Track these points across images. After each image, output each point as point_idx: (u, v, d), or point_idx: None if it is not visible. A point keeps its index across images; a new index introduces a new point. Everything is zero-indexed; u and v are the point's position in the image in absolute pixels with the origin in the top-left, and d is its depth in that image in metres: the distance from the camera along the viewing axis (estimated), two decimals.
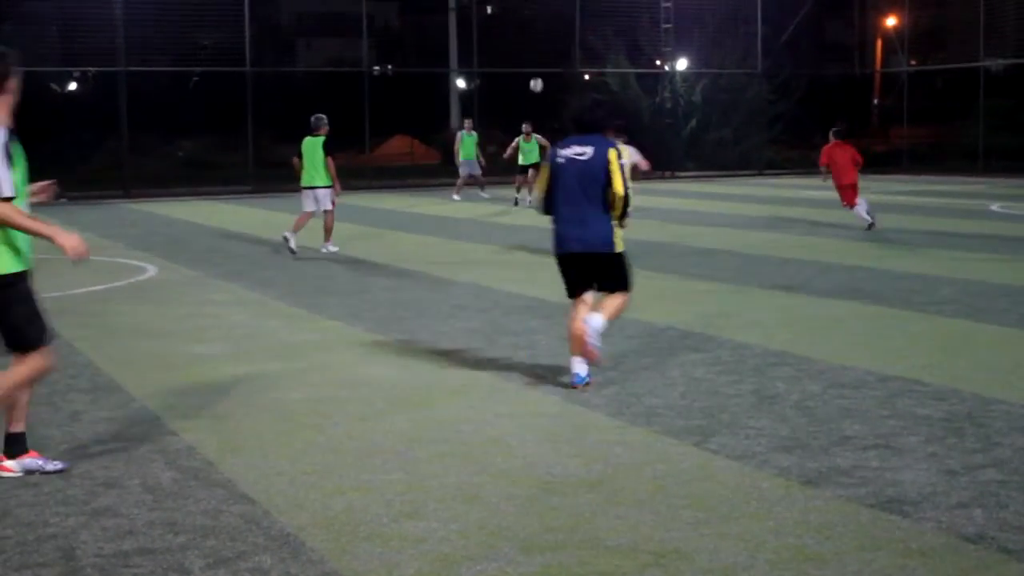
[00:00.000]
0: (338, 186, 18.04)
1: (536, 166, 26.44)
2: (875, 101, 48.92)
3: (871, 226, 19.92)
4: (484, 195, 30.31)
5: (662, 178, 39.44)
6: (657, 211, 25.32)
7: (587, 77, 42.33)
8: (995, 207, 25.56)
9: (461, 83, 45.86)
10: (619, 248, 8.56)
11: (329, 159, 17.72)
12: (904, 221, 22.01)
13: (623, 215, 8.47)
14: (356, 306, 12.29)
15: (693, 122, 41.44)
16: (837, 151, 20.48)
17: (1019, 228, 20.48)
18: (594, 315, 8.44)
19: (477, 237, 20.12)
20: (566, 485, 6.20)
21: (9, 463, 6.46)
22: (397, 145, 45.43)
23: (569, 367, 8.52)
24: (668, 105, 41.46)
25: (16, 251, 6.18)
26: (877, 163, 43.70)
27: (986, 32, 41.36)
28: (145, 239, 20.49)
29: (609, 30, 40.20)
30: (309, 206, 17.91)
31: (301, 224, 17.72)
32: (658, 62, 42.18)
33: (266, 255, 17.81)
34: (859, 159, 20.48)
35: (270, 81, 39.92)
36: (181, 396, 8.39)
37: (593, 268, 8.59)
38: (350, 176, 26.60)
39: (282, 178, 36.32)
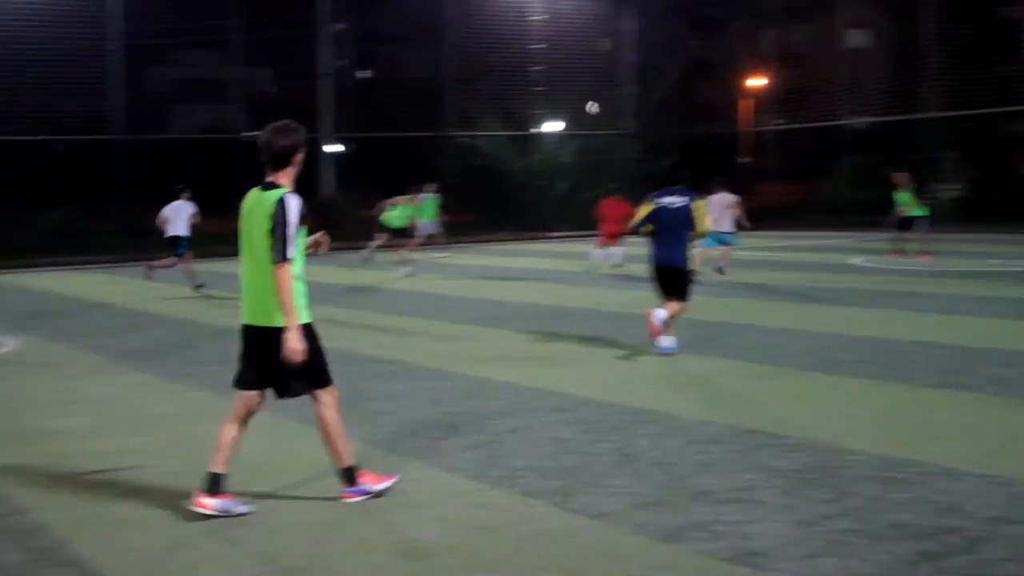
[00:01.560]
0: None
1: (405, 231, 26.35)
2: (743, 159, 49.99)
3: (616, 265, 24.91)
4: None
5: (532, 239, 39.79)
6: (528, 272, 25.48)
7: (460, 140, 42.64)
8: (857, 261, 26.22)
9: (335, 148, 45.82)
10: (690, 267, 12.90)
11: None
12: (769, 276, 22.46)
13: (701, 233, 12.76)
14: (222, 375, 12.06)
15: (565, 183, 41.88)
16: (611, 206, 24.80)
17: (879, 281, 21.02)
18: (660, 310, 12.57)
19: (344, 302, 19.99)
20: (424, 550, 6.18)
21: (209, 501, 6.88)
22: None
23: None
24: (540, 167, 41.88)
25: (303, 303, 6.99)
26: (748, 219, 44.60)
27: (848, 92, 42.62)
28: (3, 311, 20.00)
29: (481, 93, 40.56)
30: None
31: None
32: (531, 125, 42.67)
33: (131, 325, 17.51)
34: (628, 213, 23.49)
35: (140, 148, 39.46)
36: (34, 473, 8.19)
37: (672, 277, 12.68)
38: (219, 243, 26.28)
39: (152, 246, 35.78)
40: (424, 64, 44.76)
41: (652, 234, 12.78)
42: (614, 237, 24.77)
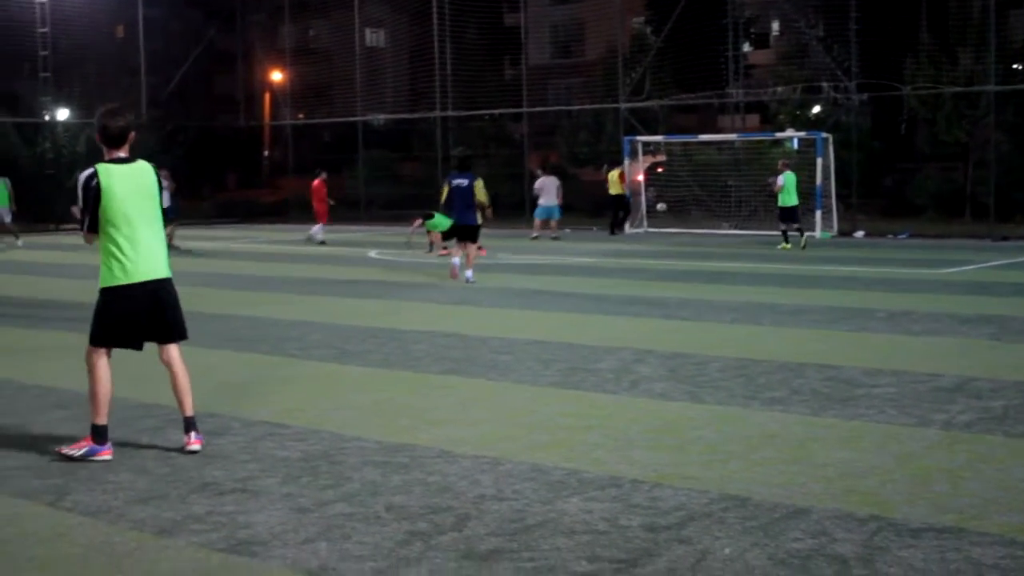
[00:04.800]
0: None
1: None
2: (265, 153, 49.96)
3: (317, 241, 30.98)
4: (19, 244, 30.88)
5: (46, 231, 37.99)
6: (38, 266, 24.33)
7: None
8: (373, 254, 26.86)
9: None
10: (479, 223, 19.37)
11: None
12: (286, 269, 22.59)
13: (484, 209, 19.44)
14: None
15: (78, 172, 40.21)
16: (320, 188, 31.76)
17: (395, 274, 21.63)
18: (467, 272, 19.25)
19: None
20: None
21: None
22: None
23: None
24: (50, 156, 39.97)
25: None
26: (267, 213, 44.68)
27: (365, 89, 43.50)
28: None
29: None
30: None
31: None
32: (41, 112, 40.61)
33: None
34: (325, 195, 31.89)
35: None
36: None
37: (466, 231, 19.27)
38: None
39: None
40: None
41: (450, 204, 19.27)
42: (323, 215, 31.18)
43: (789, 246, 26.91)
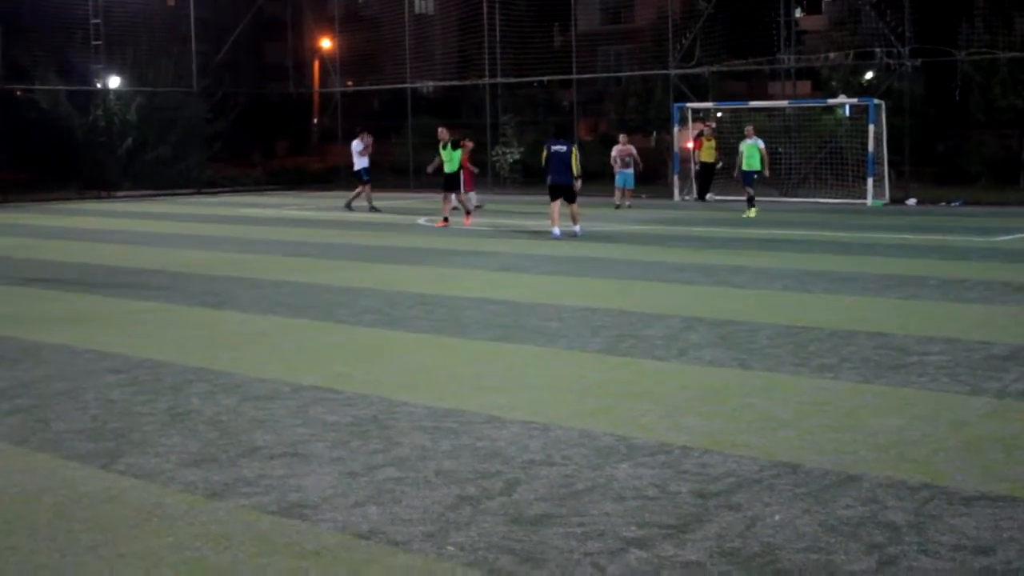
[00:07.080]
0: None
1: None
2: (315, 120, 50.01)
3: (473, 205, 28.79)
4: None
5: (97, 198, 38.34)
6: (90, 232, 24.52)
7: (19, 93, 40.25)
8: (422, 220, 26.89)
9: None
10: (573, 185, 21.52)
11: None
12: (336, 235, 22.65)
13: (579, 176, 21.74)
14: None
15: (129, 141, 40.49)
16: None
17: (444, 240, 21.64)
18: (573, 227, 21.68)
19: None
20: None
21: None
22: None
23: None
24: (102, 123, 40.26)
25: None
26: (317, 180, 44.83)
27: (414, 56, 43.47)
28: None
29: (37, 45, 38.48)
30: None
31: None
32: (93, 80, 40.86)
33: None
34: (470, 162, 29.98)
35: None
36: None
37: (562, 191, 21.60)
38: None
39: None
40: None
41: (547, 167, 21.68)
42: (466, 182, 29.48)
43: (753, 213, 27.56)
